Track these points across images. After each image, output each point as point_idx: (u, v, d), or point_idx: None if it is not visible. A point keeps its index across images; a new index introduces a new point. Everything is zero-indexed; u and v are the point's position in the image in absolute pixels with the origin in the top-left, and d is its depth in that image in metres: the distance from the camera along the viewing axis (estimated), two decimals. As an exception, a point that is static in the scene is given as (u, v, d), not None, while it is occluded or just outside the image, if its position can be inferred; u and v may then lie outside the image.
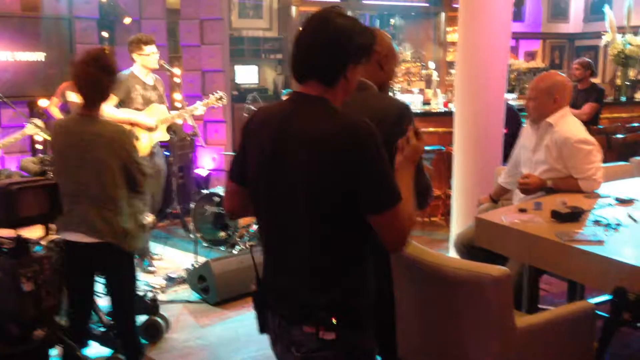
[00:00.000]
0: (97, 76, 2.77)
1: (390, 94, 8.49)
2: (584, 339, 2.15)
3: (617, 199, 3.01)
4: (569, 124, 3.20)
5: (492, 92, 4.78)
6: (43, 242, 2.01)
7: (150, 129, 4.75)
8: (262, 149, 1.69)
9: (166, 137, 4.91)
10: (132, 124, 4.71)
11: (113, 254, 2.77)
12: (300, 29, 1.73)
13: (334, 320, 1.62)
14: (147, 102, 4.80)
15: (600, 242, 2.35)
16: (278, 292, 1.73)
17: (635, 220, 2.67)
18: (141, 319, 3.75)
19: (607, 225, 2.56)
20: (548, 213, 2.75)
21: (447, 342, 2.05)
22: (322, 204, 1.60)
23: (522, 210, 2.84)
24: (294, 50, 1.72)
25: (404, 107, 2.20)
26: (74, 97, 4.78)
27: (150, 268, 4.93)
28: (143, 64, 4.76)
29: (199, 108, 4.96)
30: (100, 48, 2.91)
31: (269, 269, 1.78)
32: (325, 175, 1.58)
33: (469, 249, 3.21)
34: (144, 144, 4.76)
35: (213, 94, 5.09)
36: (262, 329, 1.83)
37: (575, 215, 2.66)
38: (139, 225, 2.96)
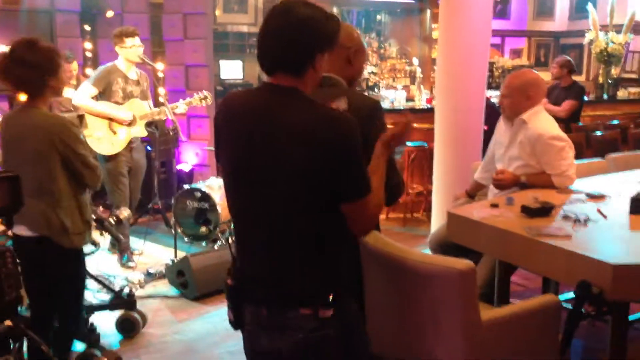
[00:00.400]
0: (15, 71, 2.70)
1: (376, 89, 8.52)
2: (550, 332, 2.17)
3: (587, 195, 3.04)
4: (542, 121, 3.22)
5: (472, 88, 4.81)
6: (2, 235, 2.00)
7: (126, 124, 4.71)
8: (240, 141, 1.70)
9: (144, 132, 4.87)
10: (108, 118, 4.70)
11: (52, 250, 2.70)
12: (265, 20, 1.73)
13: (330, 298, 1.69)
14: (128, 96, 4.78)
15: (567, 237, 2.37)
16: (264, 280, 1.73)
17: (604, 216, 2.70)
18: (117, 314, 3.75)
19: (576, 220, 2.59)
20: (518, 208, 2.76)
21: (415, 335, 2.06)
22: (309, 192, 1.64)
23: (494, 206, 2.85)
24: (260, 42, 1.72)
25: (375, 103, 2.22)
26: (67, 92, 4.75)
27: (129, 263, 4.91)
28: (125, 57, 4.74)
29: (180, 106, 4.93)
30: (25, 40, 2.80)
31: (250, 259, 1.77)
32: (310, 166, 1.61)
33: (443, 247, 3.23)
34: (122, 138, 4.74)
35: (197, 94, 5.06)
36: (238, 324, 1.82)
37: (545, 211, 2.68)
38: (85, 221, 2.87)
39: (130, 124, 4.73)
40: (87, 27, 6.73)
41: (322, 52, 1.71)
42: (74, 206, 2.80)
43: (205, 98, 5.01)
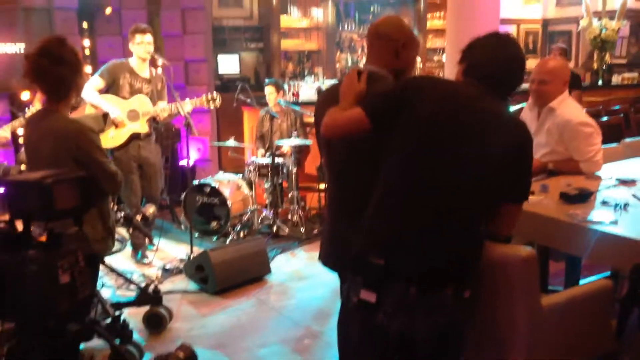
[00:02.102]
0: (51, 69, 2.64)
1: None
2: (604, 317, 2.21)
3: (618, 180, 3.09)
4: (570, 107, 3.26)
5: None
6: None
7: (117, 123, 4.65)
8: (438, 117, 1.85)
9: (145, 129, 4.80)
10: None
11: None
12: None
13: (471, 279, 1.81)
14: (136, 92, 4.74)
15: (614, 222, 2.41)
16: (420, 259, 1.78)
17: (640, 200, 2.75)
18: (143, 309, 3.74)
19: (616, 206, 2.63)
20: (555, 194, 2.81)
21: (477, 321, 2.08)
22: (487, 183, 1.84)
23: (530, 193, 2.88)
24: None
25: None
26: None
27: (144, 260, 4.89)
28: (136, 54, 4.70)
29: (187, 106, 4.86)
30: (53, 37, 2.75)
31: (407, 237, 1.81)
32: (494, 163, 1.83)
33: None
34: (122, 133, 4.68)
35: (205, 94, 5.00)
36: (375, 307, 1.82)
37: (583, 197, 2.73)
38: (107, 228, 2.83)
39: (131, 119, 4.69)
40: (85, 25, 6.64)
41: None
42: (95, 213, 2.73)
43: (213, 100, 4.93)
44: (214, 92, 5.09)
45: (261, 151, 6.06)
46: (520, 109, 3.72)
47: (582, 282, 3.16)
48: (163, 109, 4.78)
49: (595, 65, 8.56)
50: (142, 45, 4.68)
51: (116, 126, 4.66)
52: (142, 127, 4.74)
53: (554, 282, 3.55)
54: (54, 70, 2.61)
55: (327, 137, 2.11)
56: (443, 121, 1.85)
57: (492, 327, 2.02)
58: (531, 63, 3.89)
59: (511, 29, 11.31)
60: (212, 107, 5.02)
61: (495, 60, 1.93)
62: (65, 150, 2.64)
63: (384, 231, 1.84)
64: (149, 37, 4.69)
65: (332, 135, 2.08)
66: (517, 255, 1.93)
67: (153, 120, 4.84)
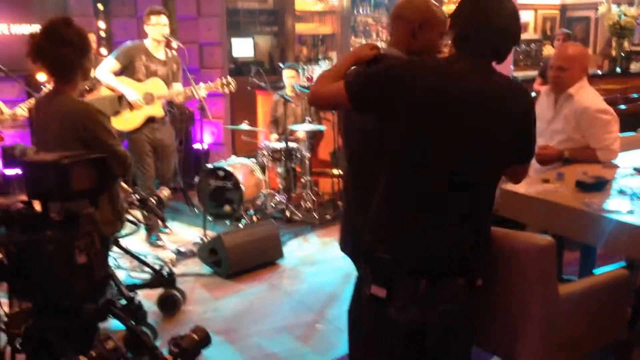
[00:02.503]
0: (52, 50, 2.60)
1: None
2: (620, 305, 2.21)
3: (635, 169, 3.05)
4: (588, 94, 3.22)
5: (498, 65, 4.79)
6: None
7: (132, 105, 4.67)
8: (432, 105, 1.76)
9: (160, 112, 4.81)
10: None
11: None
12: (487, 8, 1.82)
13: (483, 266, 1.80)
14: (151, 74, 4.74)
15: (630, 212, 2.39)
16: (426, 252, 1.75)
17: (657, 189, 2.71)
18: (157, 292, 3.77)
19: (633, 195, 2.60)
20: (571, 183, 2.78)
21: (493, 309, 2.08)
22: (499, 163, 1.82)
23: (546, 181, 2.87)
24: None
25: None
26: None
27: (158, 242, 4.92)
28: (150, 35, 4.70)
29: (202, 90, 4.84)
30: (58, 18, 2.73)
31: (412, 231, 1.77)
32: (501, 138, 1.79)
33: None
34: (137, 115, 4.70)
35: (219, 79, 4.99)
36: (386, 301, 1.79)
37: (599, 185, 2.70)
38: (115, 211, 2.83)
39: (147, 102, 4.69)
40: (100, 6, 6.64)
41: None
42: (104, 196, 2.73)
43: (228, 84, 4.92)
44: (228, 76, 5.07)
45: (274, 135, 6.05)
46: (537, 95, 3.69)
47: (596, 271, 3.14)
48: (178, 92, 4.78)
49: (613, 53, 8.44)
50: (157, 27, 4.68)
51: (131, 108, 4.67)
52: (157, 110, 4.75)
53: (567, 272, 3.53)
54: (55, 51, 2.58)
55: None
56: (438, 108, 1.75)
57: (506, 315, 2.02)
58: (549, 49, 3.86)
59: (529, 15, 11.19)
60: (226, 91, 5.01)
61: (488, 28, 1.78)
62: (72, 131, 2.63)
63: (389, 226, 1.82)
64: (164, 19, 4.69)
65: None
66: (536, 244, 1.92)
67: (169, 104, 4.84)
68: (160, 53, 4.79)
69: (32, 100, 4.49)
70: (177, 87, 4.84)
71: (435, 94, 1.75)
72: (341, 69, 2.01)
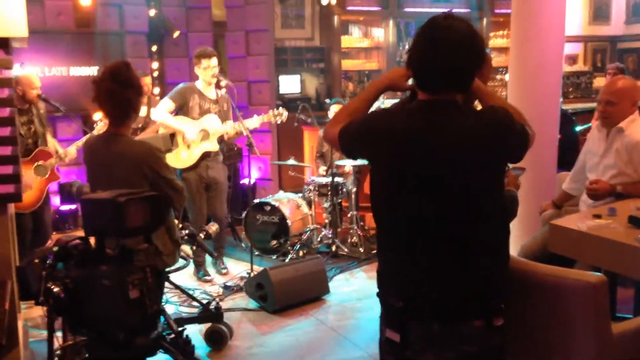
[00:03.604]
0: (121, 93, 2.74)
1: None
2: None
3: (691, 204, 2.96)
4: (639, 128, 3.16)
5: (546, 97, 4.73)
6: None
7: (189, 143, 4.80)
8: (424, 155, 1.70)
9: (216, 147, 4.95)
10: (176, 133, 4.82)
11: None
12: (425, 37, 1.73)
13: (502, 306, 1.73)
14: (205, 112, 4.88)
15: (686, 248, 2.32)
16: (440, 294, 1.71)
17: None
18: (205, 326, 3.82)
19: (689, 231, 2.53)
20: (623, 218, 2.72)
21: (544, 347, 2.03)
22: (484, 199, 1.73)
23: (597, 216, 2.81)
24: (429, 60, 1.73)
25: None
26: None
27: (206, 277, 4.99)
28: (202, 77, 4.87)
29: (254, 122, 4.97)
30: (120, 62, 2.89)
31: (424, 272, 1.73)
32: (482, 170, 1.72)
33: (539, 258, 3.18)
34: (194, 153, 4.83)
35: (272, 110, 5.11)
36: (403, 345, 1.76)
37: (654, 221, 2.63)
38: (174, 241, 2.93)
39: (202, 139, 4.82)
40: (154, 48, 6.90)
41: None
42: (163, 228, 2.85)
43: (280, 115, 5.04)
44: (279, 107, 5.18)
45: (323, 167, 6.09)
46: (588, 129, 3.63)
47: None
48: (232, 126, 4.91)
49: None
50: (208, 70, 4.84)
51: (188, 146, 4.81)
52: (212, 145, 4.89)
53: (622, 310, 3.42)
54: (124, 93, 2.74)
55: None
56: (413, 158, 1.72)
57: (554, 356, 1.97)
58: (600, 81, 3.82)
59: (578, 47, 11.06)
60: (278, 121, 5.10)
61: (429, 62, 1.71)
62: (139, 172, 2.77)
63: (397, 274, 1.79)
64: (214, 61, 4.84)
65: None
66: (588, 281, 1.88)
67: (220, 140, 4.98)
68: (211, 92, 4.95)
69: (86, 138, 4.68)
70: (230, 123, 4.96)
71: (400, 140, 1.73)
72: (369, 97, 1.96)
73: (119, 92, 2.76)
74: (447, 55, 1.68)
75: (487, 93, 1.89)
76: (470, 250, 1.71)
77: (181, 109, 4.85)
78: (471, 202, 1.69)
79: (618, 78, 3.40)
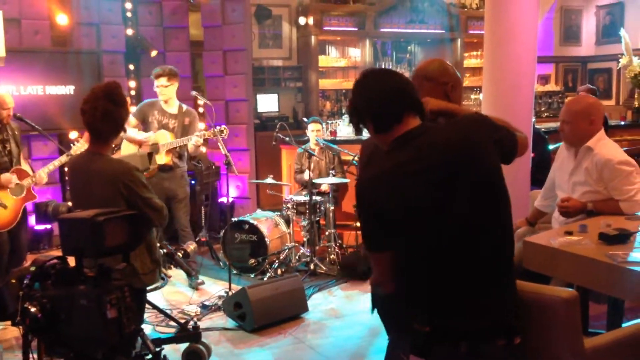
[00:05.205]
0: (114, 111, 2.79)
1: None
2: (647, 359, 2.18)
3: (660, 220, 3.05)
4: (608, 147, 3.25)
5: (519, 116, 4.81)
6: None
7: (139, 144, 5.00)
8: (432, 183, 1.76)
9: (163, 160, 5.03)
10: (136, 143, 5.01)
11: None
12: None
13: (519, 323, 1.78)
14: (163, 128, 5.07)
15: (654, 263, 2.39)
16: (467, 320, 1.75)
17: (681, 241, 2.70)
18: (183, 346, 3.79)
19: (657, 247, 2.60)
20: (594, 235, 2.78)
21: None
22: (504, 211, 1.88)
23: (569, 233, 2.87)
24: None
25: None
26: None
27: (198, 281, 5.19)
28: (158, 95, 5.12)
29: (192, 139, 4.91)
30: (111, 82, 2.91)
31: (450, 296, 1.77)
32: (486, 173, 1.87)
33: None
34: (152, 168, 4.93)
35: (213, 128, 5.10)
36: None
37: (623, 237, 2.70)
38: (153, 260, 2.93)
39: (154, 151, 4.97)
40: (131, 67, 6.91)
41: None
42: (142, 247, 2.83)
43: (221, 132, 5.01)
44: (223, 125, 5.24)
45: (306, 174, 6.01)
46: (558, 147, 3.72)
47: (625, 324, 3.10)
48: (180, 141, 4.96)
49: (636, 103, 8.46)
50: (158, 89, 5.08)
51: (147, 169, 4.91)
52: (162, 159, 5.01)
53: (595, 325, 3.48)
54: (119, 112, 2.79)
55: None
56: (416, 202, 1.77)
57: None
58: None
59: (549, 68, 11.30)
60: (219, 137, 5.00)
61: (363, 104, 1.88)
62: (115, 190, 2.76)
63: (424, 300, 1.81)
64: (161, 81, 5.04)
65: None
66: (559, 296, 1.93)
67: (194, 160, 5.05)
68: (172, 108, 5.14)
69: (62, 158, 4.65)
70: (193, 139, 4.96)
71: (407, 196, 1.80)
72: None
73: (115, 111, 2.80)
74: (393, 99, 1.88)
75: (459, 109, 2.00)
76: (498, 269, 1.78)
77: (143, 124, 5.09)
78: (497, 217, 1.81)
79: (575, 97, 3.49)
